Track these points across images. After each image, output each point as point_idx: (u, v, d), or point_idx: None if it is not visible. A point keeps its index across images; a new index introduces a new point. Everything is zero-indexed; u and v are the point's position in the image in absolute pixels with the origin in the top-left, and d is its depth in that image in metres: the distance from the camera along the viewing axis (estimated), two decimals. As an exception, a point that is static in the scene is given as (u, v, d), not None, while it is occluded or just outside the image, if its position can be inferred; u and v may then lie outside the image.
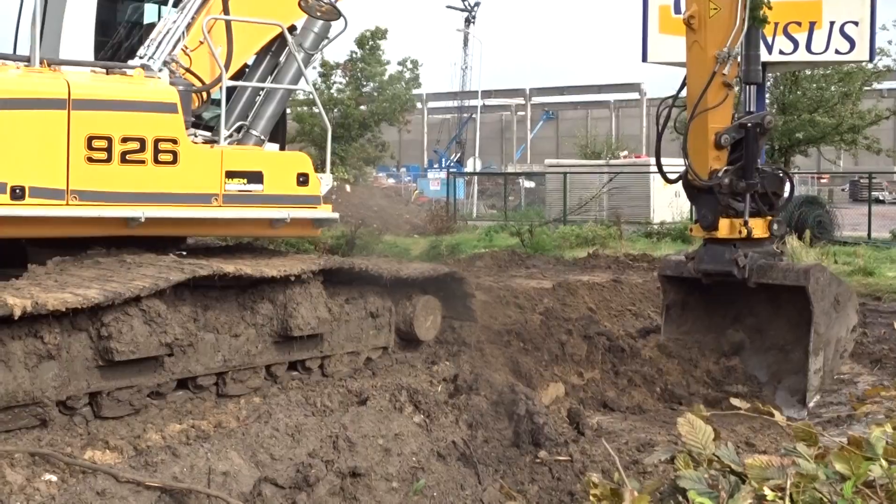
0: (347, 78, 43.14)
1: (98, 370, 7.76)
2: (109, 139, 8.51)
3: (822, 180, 61.05)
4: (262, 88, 10.35)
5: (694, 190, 12.13)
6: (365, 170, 45.65)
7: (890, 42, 34.18)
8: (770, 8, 11.84)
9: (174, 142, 8.82)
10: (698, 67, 11.74)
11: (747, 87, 12.24)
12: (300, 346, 9.47)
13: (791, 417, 10.03)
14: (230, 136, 9.91)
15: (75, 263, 8.48)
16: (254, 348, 9.05)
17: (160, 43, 9.43)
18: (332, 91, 43.05)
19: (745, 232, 11.64)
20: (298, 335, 9.22)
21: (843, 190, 63.05)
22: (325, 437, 8.08)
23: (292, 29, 10.13)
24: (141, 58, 9.38)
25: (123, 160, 8.58)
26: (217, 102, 10.14)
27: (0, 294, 7.05)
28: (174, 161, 8.83)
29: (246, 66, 10.51)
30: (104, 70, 9.22)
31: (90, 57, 9.79)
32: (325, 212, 9.87)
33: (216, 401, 8.81)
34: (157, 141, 8.73)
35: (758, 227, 11.79)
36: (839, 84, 33.55)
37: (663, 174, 12.59)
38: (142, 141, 8.66)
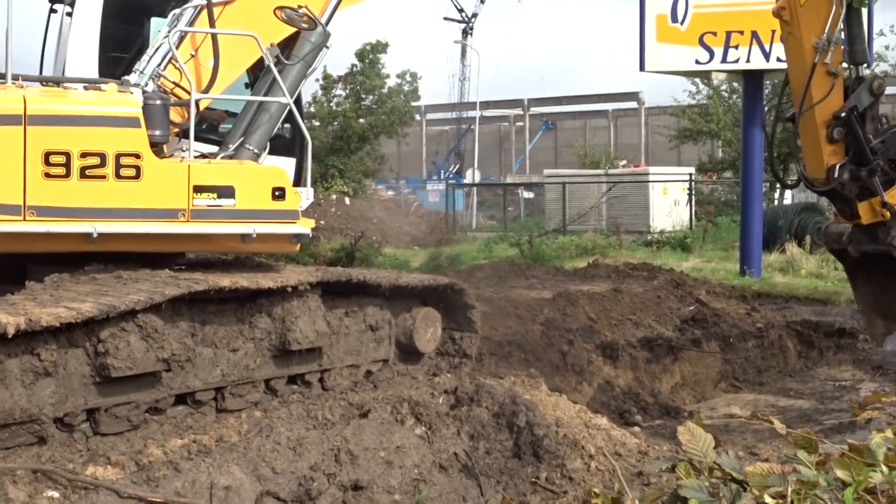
0: (347, 91, 43.14)
1: (95, 386, 7.74)
2: (68, 154, 8.45)
3: (822, 187, 60.99)
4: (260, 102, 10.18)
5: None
6: (364, 182, 45.57)
7: (887, 47, 34.27)
8: None
9: (137, 156, 8.67)
10: (798, 61, 10.99)
11: (855, 68, 11.24)
12: (299, 359, 9.43)
13: None
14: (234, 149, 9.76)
15: (72, 279, 8.46)
16: (252, 362, 9.01)
17: (151, 57, 9.40)
18: (331, 104, 43.06)
19: (887, 215, 11.00)
20: (297, 349, 9.18)
21: (842, 196, 62.88)
22: (327, 451, 8.07)
23: (287, 43, 9.97)
24: (134, 73, 9.34)
25: (83, 175, 8.51)
26: (235, 115, 10.07)
27: None
28: (137, 176, 8.68)
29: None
30: (80, 86, 9.16)
31: (95, 74, 9.73)
32: (300, 227, 9.47)
33: (217, 415, 8.79)
34: (118, 156, 8.61)
35: None
36: (837, 90, 33.52)
37: (779, 179, 11.78)
38: (102, 156, 8.56)
